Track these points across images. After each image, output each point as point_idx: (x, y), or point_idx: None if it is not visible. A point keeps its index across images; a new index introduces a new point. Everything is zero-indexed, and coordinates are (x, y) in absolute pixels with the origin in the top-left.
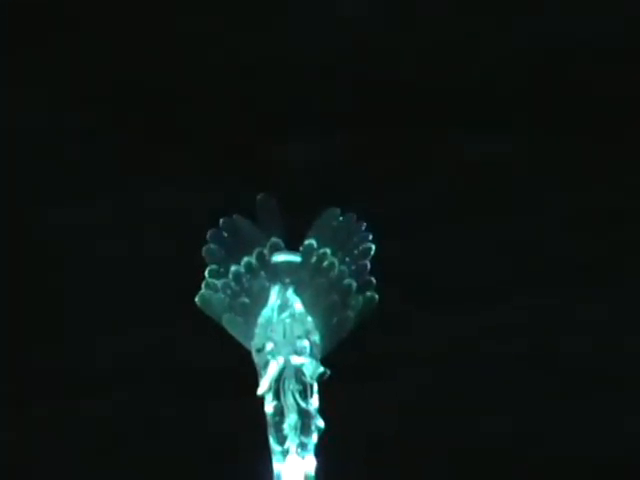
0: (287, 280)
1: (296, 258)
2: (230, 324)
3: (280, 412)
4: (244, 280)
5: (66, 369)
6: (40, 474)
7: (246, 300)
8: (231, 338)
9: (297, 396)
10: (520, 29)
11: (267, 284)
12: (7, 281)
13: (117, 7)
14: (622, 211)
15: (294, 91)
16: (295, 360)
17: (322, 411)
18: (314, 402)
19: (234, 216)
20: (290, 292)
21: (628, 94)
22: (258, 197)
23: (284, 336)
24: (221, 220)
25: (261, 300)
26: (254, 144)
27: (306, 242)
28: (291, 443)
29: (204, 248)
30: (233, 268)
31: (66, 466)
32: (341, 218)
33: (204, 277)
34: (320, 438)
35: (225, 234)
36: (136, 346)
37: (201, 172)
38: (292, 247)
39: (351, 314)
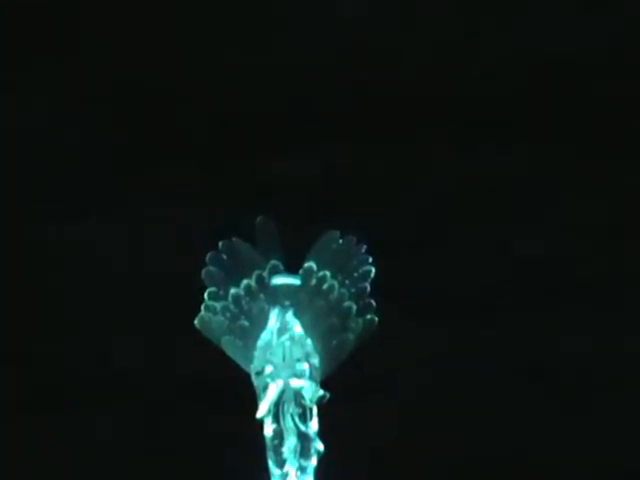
0: (286, 303)
1: (295, 281)
2: (229, 347)
3: (279, 435)
4: (243, 303)
5: (65, 383)
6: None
7: (245, 323)
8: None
9: (296, 419)
10: (520, 30)
11: (266, 307)
12: (7, 283)
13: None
14: (623, 217)
15: (294, 102)
16: (294, 383)
17: (321, 434)
18: (313, 425)
19: (233, 239)
20: (289, 315)
21: (629, 94)
22: (257, 220)
23: (283, 359)
24: (220, 243)
25: (260, 323)
26: (254, 159)
27: (305, 265)
28: (290, 466)
29: (203, 271)
30: (232, 291)
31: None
32: (341, 241)
33: (203, 300)
34: (319, 461)
35: (224, 256)
36: (136, 360)
37: (200, 187)
38: (291, 270)
39: (351, 337)
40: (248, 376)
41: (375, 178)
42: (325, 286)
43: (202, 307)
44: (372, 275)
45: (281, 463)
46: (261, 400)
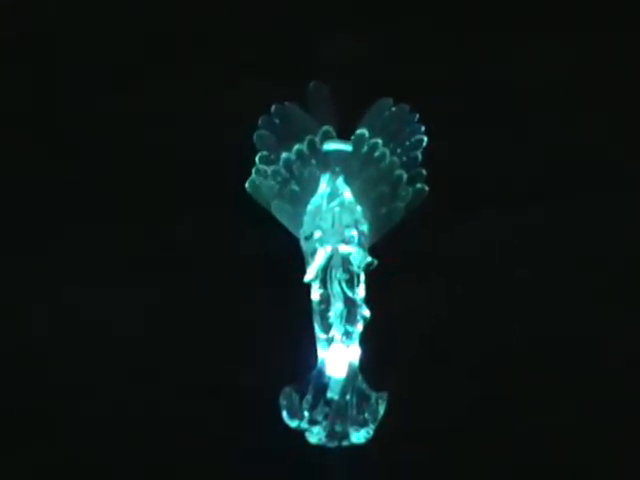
0: (337, 169)
1: (347, 147)
2: (279, 211)
3: (326, 300)
4: (294, 168)
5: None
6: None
7: (296, 188)
8: (279, 225)
9: (344, 285)
10: None
11: (317, 172)
12: None
13: None
14: None
15: None
16: (343, 249)
17: (368, 301)
18: (360, 291)
19: (286, 103)
20: (340, 181)
21: None
22: (311, 84)
23: (332, 225)
24: (273, 106)
25: (310, 188)
26: (308, 32)
27: (358, 131)
28: (336, 331)
29: (255, 134)
30: (284, 155)
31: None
32: (394, 108)
33: (254, 163)
34: (365, 327)
35: (277, 121)
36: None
37: (253, 62)
38: (344, 136)
39: (400, 205)
40: (297, 242)
41: (434, 57)
42: (376, 154)
43: (253, 171)
44: (424, 144)
45: (327, 328)
46: (309, 265)
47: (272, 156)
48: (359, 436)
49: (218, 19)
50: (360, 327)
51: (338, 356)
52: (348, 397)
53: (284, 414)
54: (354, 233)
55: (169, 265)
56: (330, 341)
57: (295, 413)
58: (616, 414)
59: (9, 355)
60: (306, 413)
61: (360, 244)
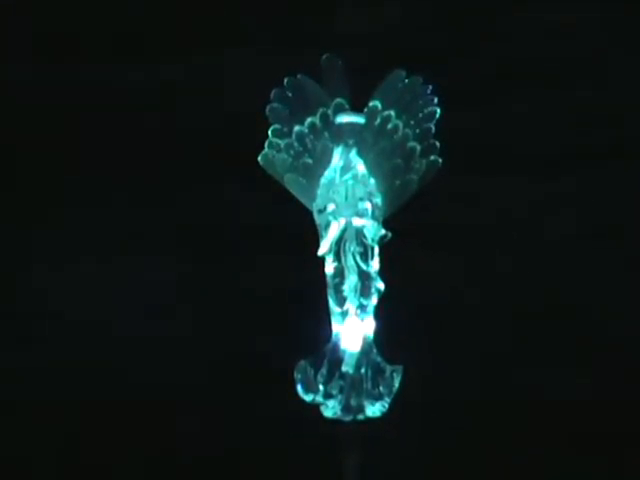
0: (350, 141)
1: (360, 119)
2: (292, 184)
3: (340, 274)
4: (307, 141)
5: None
6: None
7: (309, 161)
8: (293, 197)
9: (358, 258)
10: None
11: (330, 145)
12: None
13: None
14: None
15: None
16: (357, 222)
17: (382, 274)
18: (374, 264)
19: (298, 76)
20: (353, 154)
21: None
22: (323, 57)
23: (346, 198)
24: (285, 80)
25: (324, 161)
26: (319, 7)
27: (370, 104)
28: (351, 305)
29: (268, 107)
30: (296, 128)
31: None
32: (407, 80)
33: (267, 136)
34: (380, 300)
35: (289, 94)
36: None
37: (270, 34)
38: (356, 108)
39: (414, 177)
40: (310, 214)
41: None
42: (389, 126)
43: (266, 144)
44: (437, 116)
45: (342, 301)
46: (323, 238)
47: (285, 129)
48: (374, 410)
49: None
50: (375, 300)
51: (353, 329)
52: (363, 371)
53: (299, 388)
54: (368, 206)
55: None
56: (345, 314)
57: (310, 387)
58: None
59: None
60: (321, 387)
61: (374, 217)
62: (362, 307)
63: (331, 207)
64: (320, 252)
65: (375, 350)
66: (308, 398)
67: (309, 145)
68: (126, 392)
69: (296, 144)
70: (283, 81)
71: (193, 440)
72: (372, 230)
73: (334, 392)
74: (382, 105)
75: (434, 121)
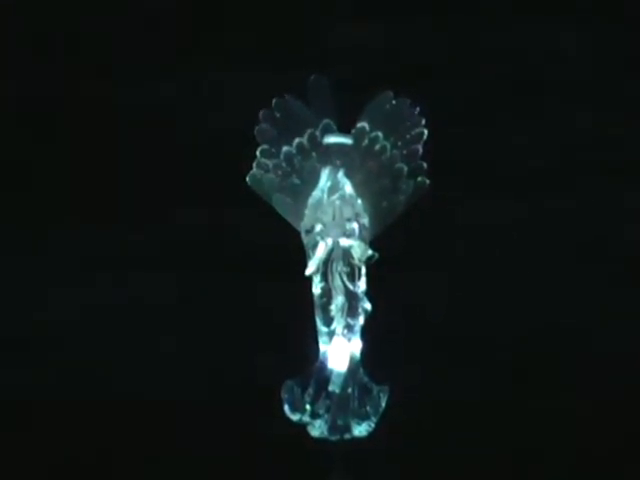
0: (338, 162)
1: (348, 140)
2: (280, 204)
3: (327, 294)
4: (295, 161)
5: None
6: None
7: (296, 181)
8: (281, 218)
9: (345, 278)
10: None
11: (318, 165)
12: None
13: None
14: None
15: None
16: (344, 242)
17: (369, 294)
18: (361, 284)
19: (286, 96)
20: (341, 174)
21: None
22: (310, 78)
23: (333, 218)
24: (273, 100)
25: (311, 181)
26: (307, 24)
27: (358, 125)
28: (337, 325)
29: (256, 128)
30: (284, 149)
31: None
32: (394, 102)
33: (255, 157)
34: (367, 320)
35: (277, 114)
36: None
37: (257, 51)
38: (344, 129)
39: (401, 198)
40: (298, 235)
41: (436, 48)
42: (377, 147)
43: (254, 164)
44: (425, 137)
45: (328, 321)
46: (310, 258)
47: (273, 149)
48: (361, 429)
49: (218, 8)
50: (361, 320)
51: (340, 349)
52: (350, 390)
53: (286, 407)
54: (355, 226)
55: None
56: (331, 334)
57: (297, 406)
58: None
59: None
60: (308, 406)
61: (361, 237)
62: (349, 327)
63: (318, 227)
64: (307, 272)
65: (362, 370)
66: (295, 417)
67: (297, 165)
68: (111, 408)
69: (284, 164)
70: (270, 102)
71: (179, 454)
72: (359, 250)
73: (321, 411)
74: (370, 126)
75: (422, 142)
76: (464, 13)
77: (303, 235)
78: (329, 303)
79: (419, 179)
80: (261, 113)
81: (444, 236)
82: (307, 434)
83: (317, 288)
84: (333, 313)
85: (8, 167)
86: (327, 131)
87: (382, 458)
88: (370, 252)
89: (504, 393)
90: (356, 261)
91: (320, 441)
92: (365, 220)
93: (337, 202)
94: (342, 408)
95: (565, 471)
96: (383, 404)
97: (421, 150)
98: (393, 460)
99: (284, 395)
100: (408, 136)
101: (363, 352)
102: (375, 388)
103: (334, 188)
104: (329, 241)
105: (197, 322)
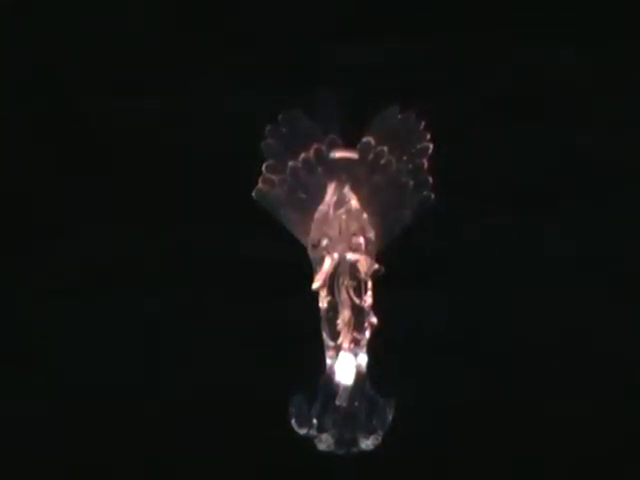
0: (344, 177)
1: (353, 155)
2: (286, 219)
3: (334, 308)
4: (301, 176)
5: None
6: None
7: (303, 196)
8: (287, 232)
9: (351, 292)
10: None
11: (324, 180)
12: None
13: None
14: None
15: None
16: (350, 256)
17: (376, 308)
18: (368, 299)
19: (292, 111)
20: (346, 189)
21: None
22: (316, 93)
23: (339, 232)
24: (279, 116)
25: (317, 196)
26: (317, 42)
27: (364, 139)
28: (344, 339)
29: (262, 143)
30: (290, 164)
31: None
32: (400, 116)
33: (261, 172)
34: (373, 335)
35: (283, 129)
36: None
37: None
38: (350, 144)
39: (407, 212)
40: (305, 249)
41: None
42: (383, 161)
43: (260, 180)
44: (430, 151)
45: (335, 335)
46: (317, 272)
47: (279, 165)
48: (368, 443)
49: (223, 23)
50: (368, 334)
51: (346, 363)
52: (356, 404)
53: (293, 422)
54: (361, 240)
55: (172, 272)
56: (338, 349)
57: (304, 421)
58: None
59: None
60: (315, 420)
61: (367, 251)
62: (355, 341)
63: (325, 242)
64: (314, 286)
65: (368, 384)
66: (302, 432)
67: (303, 180)
68: (104, 423)
69: (290, 179)
70: (277, 117)
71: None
72: (365, 264)
73: (328, 426)
74: (375, 141)
75: (427, 157)
76: (467, 30)
77: (310, 250)
78: (335, 317)
79: (424, 193)
80: (267, 128)
81: (448, 251)
82: (314, 448)
83: (323, 302)
84: (339, 327)
85: None
86: (333, 146)
87: (389, 469)
88: (376, 266)
89: (507, 404)
90: (362, 275)
91: (327, 455)
92: (371, 234)
93: (343, 216)
94: (349, 422)
95: (565, 471)
96: (390, 417)
97: (426, 164)
98: (399, 471)
99: (291, 409)
100: (413, 150)
101: (369, 366)
102: (381, 401)
103: (340, 202)
104: (335, 255)
105: (203, 337)
